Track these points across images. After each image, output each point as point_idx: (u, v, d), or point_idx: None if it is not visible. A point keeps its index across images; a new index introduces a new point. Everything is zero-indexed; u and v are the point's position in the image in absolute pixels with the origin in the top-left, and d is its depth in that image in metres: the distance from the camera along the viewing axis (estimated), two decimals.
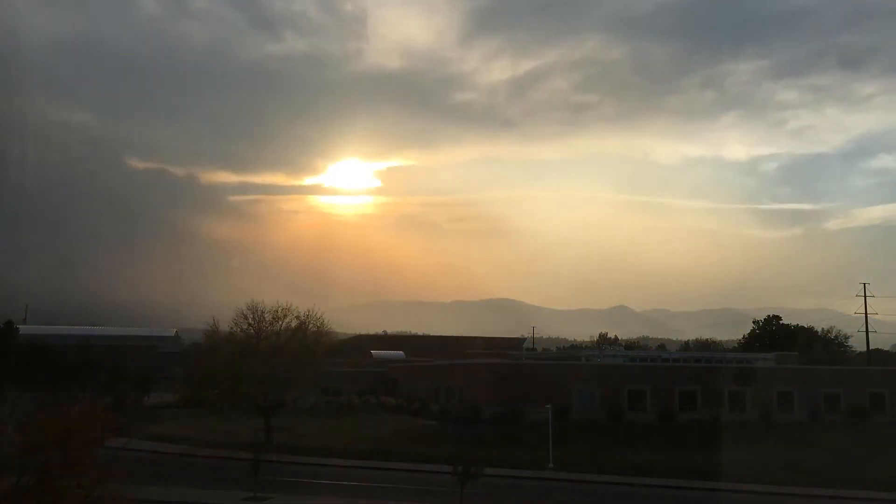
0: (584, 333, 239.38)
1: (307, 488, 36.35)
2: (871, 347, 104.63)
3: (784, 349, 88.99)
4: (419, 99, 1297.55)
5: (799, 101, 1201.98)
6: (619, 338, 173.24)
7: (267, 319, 53.70)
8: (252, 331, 53.73)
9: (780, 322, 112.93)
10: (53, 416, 20.44)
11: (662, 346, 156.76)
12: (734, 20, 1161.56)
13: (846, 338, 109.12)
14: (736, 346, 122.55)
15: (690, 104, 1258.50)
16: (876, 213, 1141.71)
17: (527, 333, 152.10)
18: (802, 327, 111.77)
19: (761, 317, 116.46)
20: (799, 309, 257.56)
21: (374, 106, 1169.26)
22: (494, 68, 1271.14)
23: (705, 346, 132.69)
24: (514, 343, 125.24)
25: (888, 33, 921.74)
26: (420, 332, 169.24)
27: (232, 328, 55.84)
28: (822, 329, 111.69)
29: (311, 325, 54.97)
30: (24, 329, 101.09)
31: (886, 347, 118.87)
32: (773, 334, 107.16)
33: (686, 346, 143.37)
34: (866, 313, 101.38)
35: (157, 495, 30.92)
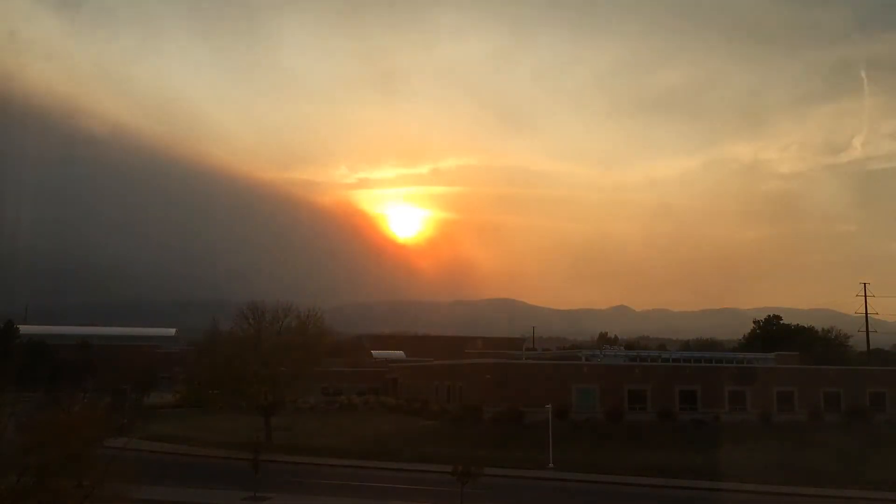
0: (584, 333, 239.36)
1: (307, 488, 36.36)
2: (871, 347, 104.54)
3: (784, 349, 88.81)
4: None
5: None
6: (619, 338, 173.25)
7: (267, 319, 53.75)
8: (252, 330, 53.76)
9: (780, 322, 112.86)
10: (53, 416, 20.50)
11: (662, 346, 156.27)
12: None
13: (846, 338, 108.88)
14: (736, 346, 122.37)
15: None
16: None
17: (527, 333, 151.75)
18: (802, 327, 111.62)
19: (761, 317, 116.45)
20: (799, 309, 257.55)
21: None
22: None
23: (705, 346, 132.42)
24: (515, 343, 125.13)
25: None
26: (420, 333, 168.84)
27: (232, 328, 56.00)
28: (822, 329, 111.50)
29: (311, 326, 55.00)
30: (24, 329, 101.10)
31: (886, 347, 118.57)
32: (773, 334, 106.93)
33: (686, 346, 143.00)
34: (867, 313, 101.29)
35: (157, 495, 30.90)
